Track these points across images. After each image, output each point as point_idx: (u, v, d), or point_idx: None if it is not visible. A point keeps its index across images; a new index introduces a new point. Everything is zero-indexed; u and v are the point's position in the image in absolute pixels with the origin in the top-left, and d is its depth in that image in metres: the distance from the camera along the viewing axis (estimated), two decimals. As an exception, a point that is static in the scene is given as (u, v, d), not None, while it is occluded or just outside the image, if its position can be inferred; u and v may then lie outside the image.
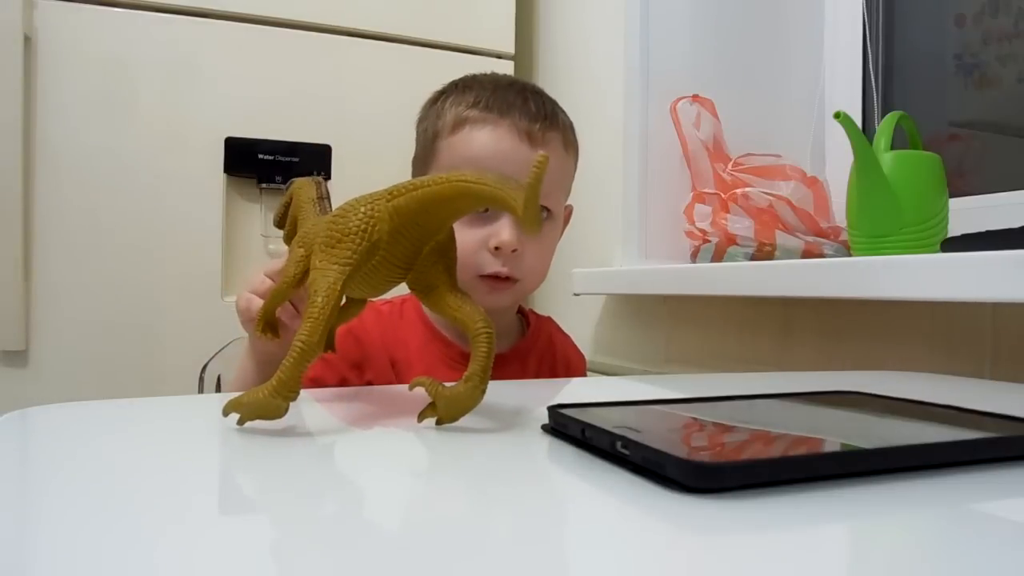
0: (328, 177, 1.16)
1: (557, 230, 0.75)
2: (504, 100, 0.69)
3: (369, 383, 0.68)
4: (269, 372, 0.35)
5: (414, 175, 0.76)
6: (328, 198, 0.45)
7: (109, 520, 0.20)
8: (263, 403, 0.32)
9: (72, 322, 1.04)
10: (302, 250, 0.38)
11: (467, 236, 0.67)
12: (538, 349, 0.78)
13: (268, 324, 0.45)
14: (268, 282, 0.59)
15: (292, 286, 0.39)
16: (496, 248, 0.66)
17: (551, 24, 1.39)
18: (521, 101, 0.69)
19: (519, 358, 0.75)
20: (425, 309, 0.74)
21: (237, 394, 0.33)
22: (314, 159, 1.15)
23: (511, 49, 1.30)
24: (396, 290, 0.41)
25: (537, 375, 0.77)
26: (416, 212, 0.35)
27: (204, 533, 0.20)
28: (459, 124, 0.69)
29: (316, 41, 1.17)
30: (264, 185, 1.13)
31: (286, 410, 0.33)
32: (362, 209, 0.35)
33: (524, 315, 0.81)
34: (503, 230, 0.67)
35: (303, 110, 1.16)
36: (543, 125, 0.69)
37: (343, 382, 0.67)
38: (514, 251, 0.66)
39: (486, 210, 0.68)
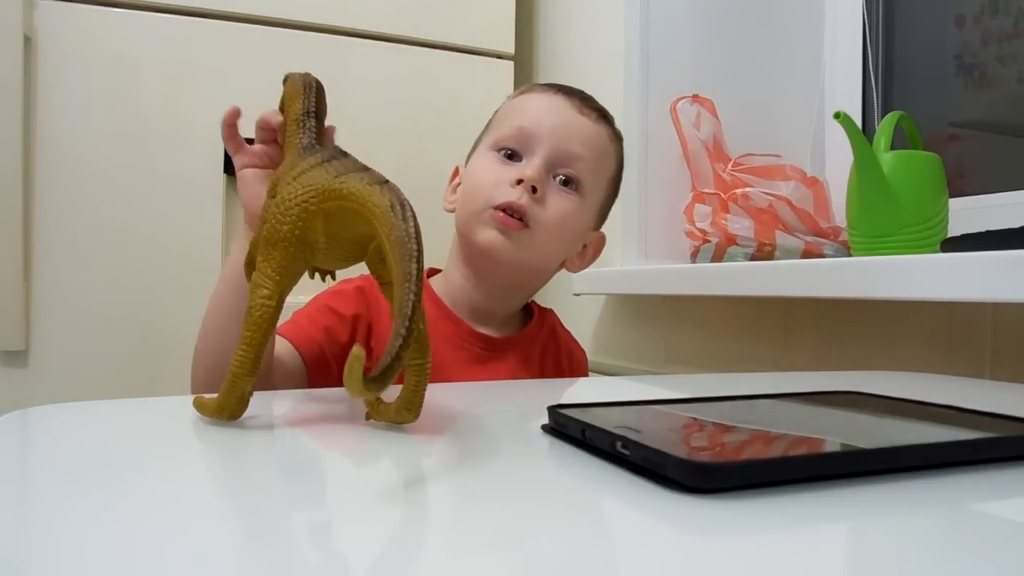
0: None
1: (583, 207, 0.72)
2: (566, 88, 0.75)
3: (372, 348, 0.67)
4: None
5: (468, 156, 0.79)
6: (312, 114, 0.45)
7: (109, 520, 0.20)
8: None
9: (72, 322, 1.04)
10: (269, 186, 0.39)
11: (491, 172, 0.70)
12: (542, 338, 0.79)
13: (247, 265, 0.42)
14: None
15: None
16: (519, 181, 0.68)
17: (551, 24, 1.39)
18: (581, 94, 0.75)
19: (524, 343, 0.76)
20: (438, 285, 0.75)
21: None
22: (314, 159, 1.15)
23: (511, 49, 1.30)
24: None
25: (541, 363, 0.77)
26: (334, 221, 0.36)
27: (204, 533, 0.20)
28: (522, 92, 0.77)
29: (316, 41, 1.17)
30: (264, 185, 1.13)
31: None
32: (294, 211, 0.35)
33: (528, 307, 0.82)
34: (528, 168, 0.69)
35: (303, 110, 1.16)
36: (597, 108, 0.74)
37: (352, 334, 0.67)
38: (535, 191, 0.68)
39: (512, 155, 0.71)
